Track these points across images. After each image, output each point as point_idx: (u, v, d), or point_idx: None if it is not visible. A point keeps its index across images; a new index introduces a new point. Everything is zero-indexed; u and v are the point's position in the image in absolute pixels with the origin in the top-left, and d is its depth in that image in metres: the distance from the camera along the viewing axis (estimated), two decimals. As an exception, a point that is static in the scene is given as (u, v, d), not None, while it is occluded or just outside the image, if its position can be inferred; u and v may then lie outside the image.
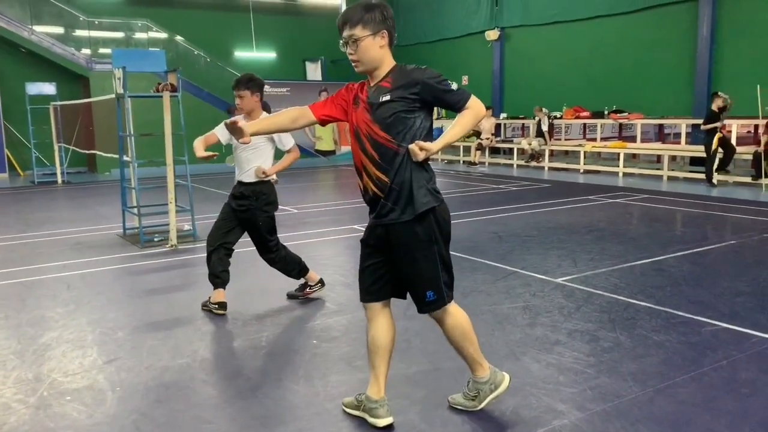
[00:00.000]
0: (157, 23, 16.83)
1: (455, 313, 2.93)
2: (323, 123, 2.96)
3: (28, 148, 14.07)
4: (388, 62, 2.74)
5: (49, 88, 13.57)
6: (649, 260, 5.90)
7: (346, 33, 2.68)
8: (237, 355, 3.88)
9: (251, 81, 4.50)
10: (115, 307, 4.80)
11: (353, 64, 2.74)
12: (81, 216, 9.31)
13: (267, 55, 19.51)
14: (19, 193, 12.39)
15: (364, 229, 2.97)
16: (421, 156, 2.67)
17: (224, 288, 4.67)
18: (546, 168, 14.57)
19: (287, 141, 4.62)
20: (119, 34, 16.91)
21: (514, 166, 15.35)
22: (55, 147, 13.38)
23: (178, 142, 7.34)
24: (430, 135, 2.78)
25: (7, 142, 15.06)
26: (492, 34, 17.47)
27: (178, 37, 17.35)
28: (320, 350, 3.90)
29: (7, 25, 14.96)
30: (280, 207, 4.77)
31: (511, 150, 15.86)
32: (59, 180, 13.48)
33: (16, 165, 15.38)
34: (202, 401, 3.21)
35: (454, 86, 2.68)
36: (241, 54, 19.05)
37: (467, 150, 16.41)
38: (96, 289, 5.31)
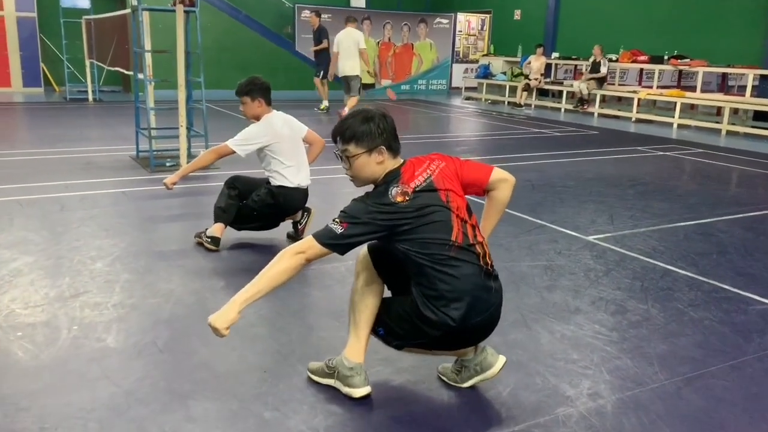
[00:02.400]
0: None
1: None
2: None
3: (63, 63, 13.85)
4: (389, 168, 2.39)
5: (83, 2, 13.19)
6: (696, 222, 5.28)
7: (339, 147, 2.38)
8: (216, 299, 3.50)
9: (251, 85, 4.22)
10: (104, 234, 4.47)
11: (350, 178, 2.42)
12: (101, 135, 9.03)
13: (311, -22, 18.63)
14: (48, 108, 12.19)
15: None
16: None
17: (225, 224, 4.30)
18: (596, 114, 13.67)
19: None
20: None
21: (562, 110, 14.47)
22: (86, 63, 13.08)
23: (195, 63, 6.90)
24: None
25: (42, 56, 14.83)
26: (550, -34, 16.26)
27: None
28: (308, 300, 3.50)
29: (43, -67, 14.50)
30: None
31: (560, 93, 14.93)
32: (90, 98, 13.24)
33: (51, 80, 15.20)
34: (159, 351, 2.84)
35: (333, 227, 2.27)
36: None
37: (514, 90, 15.53)
38: (90, 213, 5.00)
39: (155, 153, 6.73)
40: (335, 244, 2.27)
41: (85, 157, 7.22)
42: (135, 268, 3.85)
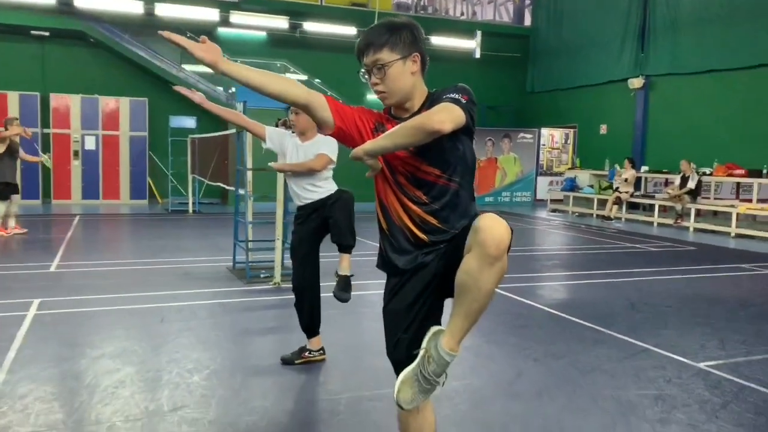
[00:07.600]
0: (295, 64, 17.38)
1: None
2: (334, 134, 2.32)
3: (167, 177, 14.90)
4: (421, 91, 2.26)
5: (189, 122, 14.30)
6: (821, 350, 4.83)
7: (368, 59, 2.19)
8: (309, 420, 3.44)
9: None
10: (201, 347, 4.56)
11: (379, 96, 2.24)
12: (199, 246, 9.45)
13: (399, 98, 19.54)
14: (151, 220, 12.99)
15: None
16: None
17: (317, 334, 4.28)
18: (691, 229, 13.17)
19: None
20: (260, 74, 17.59)
21: (655, 224, 14.05)
22: (189, 178, 14.00)
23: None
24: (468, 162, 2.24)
25: (150, 170, 16.02)
26: (636, 83, 16.36)
27: (316, 81, 17.78)
28: (403, 424, 3.37)
29: (160, 63, 16.10)
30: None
31: (651, 206, 14.57)
32: (190, 210, 14.03)
33: (156, 192, 16.29)
34: (256, 473, 2.78)
35: (455, 95, 2.08)
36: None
37: (602, 203, 15.31)
38: (188, 324, 5.13)
39: (251, 264, 6.94)
40: (466, 108, 2.05)
41: (184, 267, 7.54)
42: (230, 383, 3.86)
